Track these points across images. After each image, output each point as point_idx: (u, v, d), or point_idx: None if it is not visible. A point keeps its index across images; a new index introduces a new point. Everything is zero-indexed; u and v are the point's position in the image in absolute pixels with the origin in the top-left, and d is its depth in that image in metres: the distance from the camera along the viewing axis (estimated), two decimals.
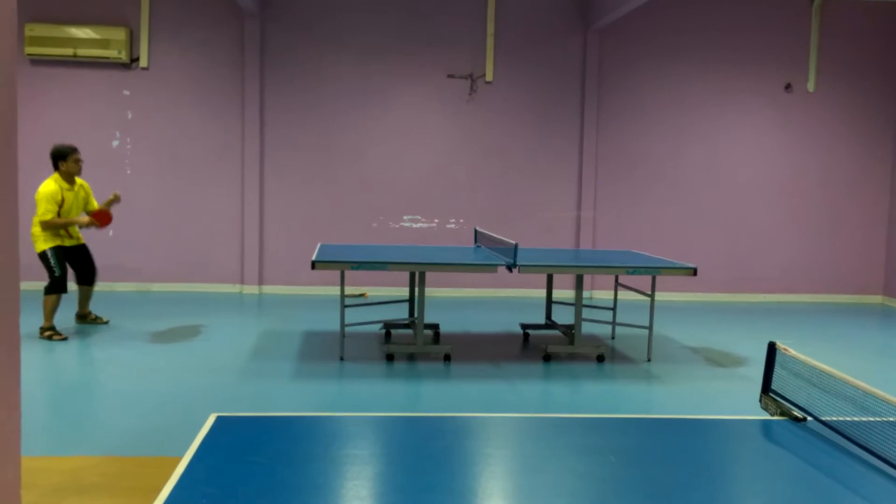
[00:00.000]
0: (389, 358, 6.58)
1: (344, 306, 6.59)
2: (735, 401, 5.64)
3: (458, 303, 9.65)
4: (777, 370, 3.23)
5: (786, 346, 3.28)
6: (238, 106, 9.92)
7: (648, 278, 6.92)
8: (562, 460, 2.60)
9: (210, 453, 2.48)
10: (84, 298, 7.74)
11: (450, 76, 10.12)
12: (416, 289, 6.78)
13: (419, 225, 10.23)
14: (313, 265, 6.21)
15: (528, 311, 8.82)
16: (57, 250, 7.17)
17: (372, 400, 5.46)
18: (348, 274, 6.70)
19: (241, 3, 9.16)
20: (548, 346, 6.79)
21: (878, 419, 2.82)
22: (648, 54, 10.32)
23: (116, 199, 7.55)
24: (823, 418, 2.88)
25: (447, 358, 6.61)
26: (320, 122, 10.04)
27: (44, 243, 7.13)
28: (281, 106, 9.99)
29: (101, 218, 7.39)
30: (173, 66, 9.86)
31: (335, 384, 5.93)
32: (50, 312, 7.12)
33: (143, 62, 9.76)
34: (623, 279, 7.77)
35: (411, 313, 7.60)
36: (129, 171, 9.90)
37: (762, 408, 3.16)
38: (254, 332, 7.61)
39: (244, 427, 2.84)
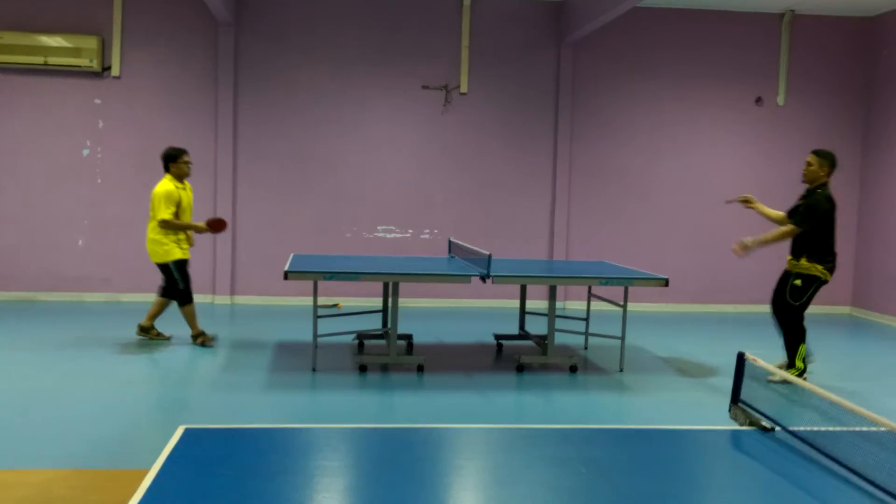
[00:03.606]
0: (362, 369, 6.56)
1: (317, 317, 6.56)
2: (705, 411, 5.68)
3: (431, 313, 9.64)
4: (746, 381, 3.26)
5: (754, 357, 3.31)
6: (211, 116, 9.87)
7: (621, 289, 6.97)
8: (533, 471, 2.60)
9: (177, 466, 2.45)
10: (156, 312, 7.54)
11: (424, 87, 10.14)
12: (390, 299, 6.77)
13: (393, 235, 10.22)
14: (286, 275, 6.18)
15: (502, 321, 8.83)
16: (179, 263, 7.22)
17: (344, 411, 5.43)
18: (321, 284, 6.68)
19: (216, 12, 9.12)
20: (521, 357, 6.80)
21: (844, 429, 2.86)
22: (622, 69, 10.41)
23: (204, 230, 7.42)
24: (791, 428, 2.91)
25: (420, 368, 6.60)
26: (294, 133, 10.01)
27: (166, 255, 7.16)
28: (255, 116, 9.94)
29: (217, 225, 7.39)
30: (146, 75, 9.78)
31: (307, 395, 5.89)
32: (193, 320, 7.30)
33: (115, 71, 9.68)
34: (596, 290, 7.81)
35: (384, 324, 7.58)
36: (99, 181, 9.80)
37: (731, 418, 3.19)
38: (225, 342, 7.54)
39: (213, 439, 2.81)
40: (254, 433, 3.02)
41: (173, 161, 7.29)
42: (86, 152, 9.78)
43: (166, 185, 7.16)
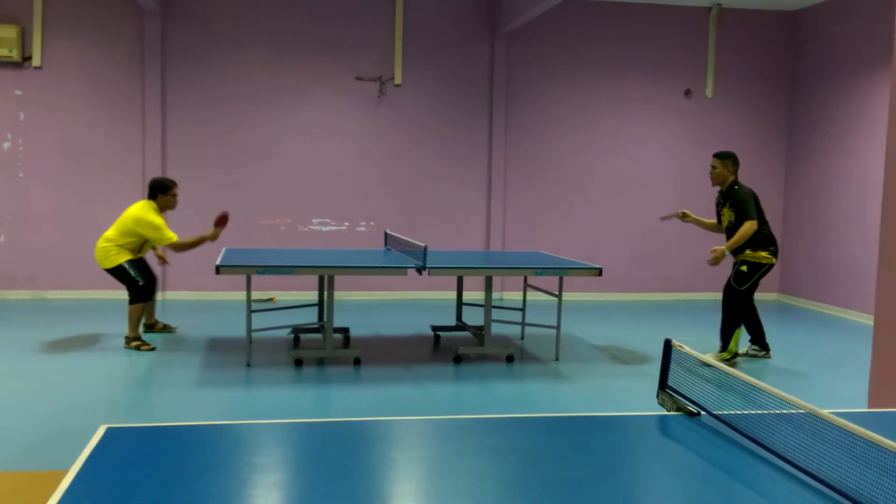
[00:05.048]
0: (298, 363, 6.50)
1: (251, 311, 6.47)
2: (636, 397, 5.81)
3: (368, 306, 9.60)
4: (673, 367, 3.32)
5: (680, 343, 3.38)
6: (138, 106, 9.61)
7: (556, 279, 7.05)
8: (464, 461, 2.61)
9: (98, 466, 2.38)
10: (150, 309, 7.59)
11: (358, 78, 10.06)
12: (326, 292, 6.72)
13: (329, 228, 10.14)
14: (217, 270, 6.08)
15: (439, 312, 8.85)
16: (133, 262, 7.05)
17: (280, 406, 5.38)
18: (256, 278, 6.58)
19: (141, 0, 8.88)
20: (458, 348, 6.83)
21: (764, 412, 2.94)
22: (555, 61, 10.50)
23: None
24: (715, 412, 2.98)
25: (357, 362, 6.57)
26: (226, 123, 9.83)
27: (118, 257, 6.98)
28: (184, 106, 9.72)
29: (223, 222, 7.21)
30: (69, 65, 9.47)
31: (242, 391, 5.81)
32: (136, 322, 7.01)
33: (37, 61, 9.35)
34: (532, 280, 7.89)
35: (320, 317, 7.52)
36: (21, 175, 9.46)
37: (659, 403, 3.25)
38: (156, 339, 7.37)
39: (136, 438, 2.73)
40: (180, 430, 2.95)
41: (163, 192, 7.13)
42: (6, 145, 9.43)
43: (153, 215, 6.98)
